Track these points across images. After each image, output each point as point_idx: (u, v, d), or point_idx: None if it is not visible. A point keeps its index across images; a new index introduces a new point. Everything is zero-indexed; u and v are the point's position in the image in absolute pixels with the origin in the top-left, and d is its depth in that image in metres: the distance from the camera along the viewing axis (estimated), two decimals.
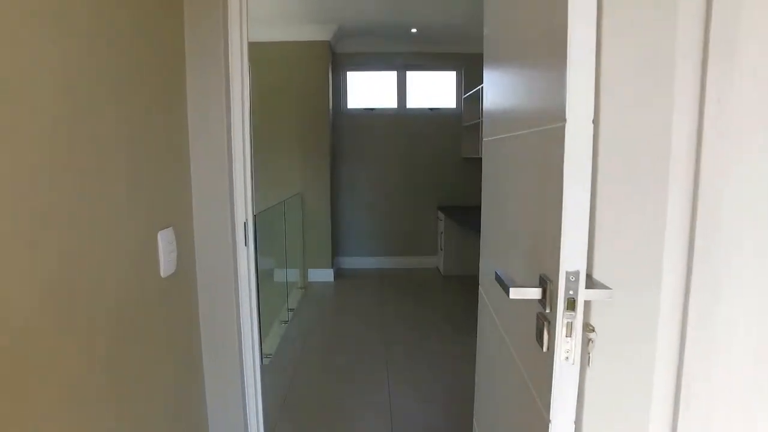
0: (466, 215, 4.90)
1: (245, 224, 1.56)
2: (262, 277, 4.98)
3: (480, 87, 4.78)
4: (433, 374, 3.16)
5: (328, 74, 5.08)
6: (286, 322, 4.11)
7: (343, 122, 5.65)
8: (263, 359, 3.39)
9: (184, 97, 1.43)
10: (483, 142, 1.61)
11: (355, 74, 5.72)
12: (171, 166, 1.35)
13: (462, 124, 5.62)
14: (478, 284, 1.67)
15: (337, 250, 5.78)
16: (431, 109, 5.70)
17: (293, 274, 5.12)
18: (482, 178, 1.61)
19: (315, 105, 5.05)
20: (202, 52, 1.44)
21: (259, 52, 4.94)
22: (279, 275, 4.70)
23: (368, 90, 5.75)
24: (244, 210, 1.54)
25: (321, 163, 5.12)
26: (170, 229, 1.30)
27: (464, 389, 2.82)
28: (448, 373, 3.16)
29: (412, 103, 5.73)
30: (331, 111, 5.33)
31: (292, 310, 4.38)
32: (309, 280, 5.26)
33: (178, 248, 1.35)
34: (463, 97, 5.54)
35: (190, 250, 1.47)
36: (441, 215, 5.45)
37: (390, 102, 5.73)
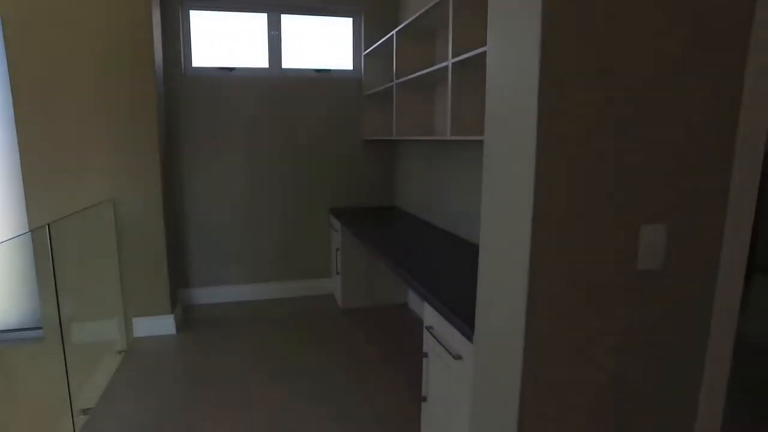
0: (371, 223, 3.32)
1: None
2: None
3: (390, 36, 3.17)
4: None
5: (149, 11, 3.15)
6: None
7: (185, 88, 3.73)
8: None
9: None
10: None
11: (202, 15, 3.81)
12: None
13: (363, 93, 4.00)
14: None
15: (183, 280, 3.91)
16: (318, 70, 4.00)
17: (106, 330, 3.20)
18: None
19: (132, 61, 3.09)
20: None
21: None
22: (90, 332, 2.80)
23: (224, 40, 3.88)
24: None
25: (146, 152, 3.20)
26: None
27: None
28: None
29: (290, 61, 3.97)
30: (160, 70, 3.40)
31: (87, 411, 2.49)
32: (136, 335, 3.35)
33: None
34: (364, 54, 3.91)
35: None
36: (336, 223, 3.82)
37: (258, 59, 3.92)
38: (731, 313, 1.33)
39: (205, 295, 3.98)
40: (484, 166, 1.33)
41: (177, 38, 3.65)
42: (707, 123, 1.20)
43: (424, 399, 2.00)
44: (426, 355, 1.95)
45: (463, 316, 1.58)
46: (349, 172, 4.13)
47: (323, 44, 4.04)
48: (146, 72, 3.13)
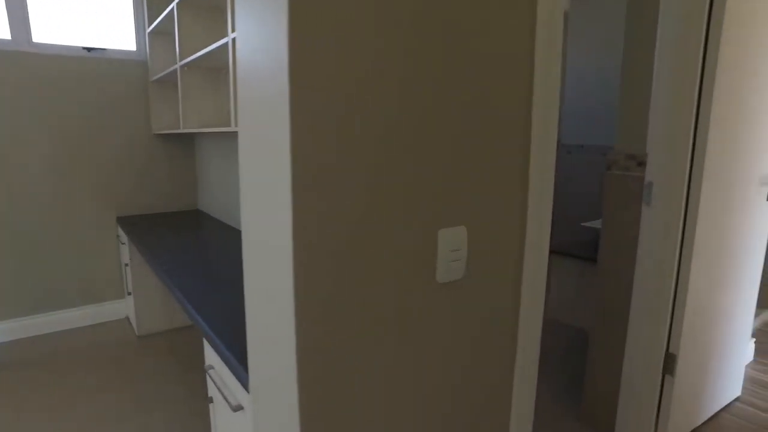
0: (164, 233, 2.78)
1: None
2: None
3: (171, 9, 2.65)
4: None
5: None
6: None
7: None
8: None
9: None
10: None
11: None
12: None
13: (149, 78, 3.38)
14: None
15: None
16: (89, 49, 3.26)
17: None
18: None
19: None
20: None
21: None
22: None
23: None
24: None
25: None
26: None
27: None
28: None
29: (44, 34, 3.16)
30: None
31: None
32: None
33: None
34: (148, 31, 3.30)
35: None
36: (123, 235, 3.16)
37: None
38: (538, 307, 1.21)
39: None
40: (240, 166, 1.00)
41: None
42: (503, 117, 1.02)
43: None
44: (211, 400, 1.56)
45: (243, 356, 1.23)
46: (142, 172, 3.47)
47: (94, 15, 3.30)
48: None
